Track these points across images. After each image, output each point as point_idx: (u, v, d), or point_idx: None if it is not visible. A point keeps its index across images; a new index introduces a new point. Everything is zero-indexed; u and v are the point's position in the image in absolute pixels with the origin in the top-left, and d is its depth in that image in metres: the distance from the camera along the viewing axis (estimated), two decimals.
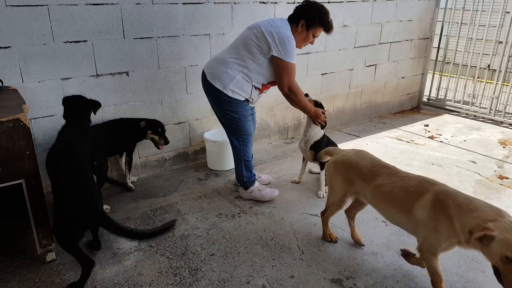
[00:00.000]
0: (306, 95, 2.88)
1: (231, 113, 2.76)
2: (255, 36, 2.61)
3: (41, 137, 2.79)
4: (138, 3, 2.92)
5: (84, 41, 2.79)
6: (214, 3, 3.27)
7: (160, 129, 3.02)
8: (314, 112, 2.89)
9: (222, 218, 2.77)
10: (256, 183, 3.01)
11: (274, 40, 2.56)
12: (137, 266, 2.28)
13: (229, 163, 3.49)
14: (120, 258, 2.35)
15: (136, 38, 2.99)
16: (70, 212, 1.98)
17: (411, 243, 2.52)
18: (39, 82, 2.70)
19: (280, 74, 2.65)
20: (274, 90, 2.84)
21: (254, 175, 3.02)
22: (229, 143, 3.18)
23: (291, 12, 2.73)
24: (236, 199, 3.02)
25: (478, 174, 3.52)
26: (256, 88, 2.76)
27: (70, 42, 2.74)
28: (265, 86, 2.80)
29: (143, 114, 3.18)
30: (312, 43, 2.83)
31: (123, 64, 3.00)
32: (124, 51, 2.97)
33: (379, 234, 2.62)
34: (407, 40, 4.99)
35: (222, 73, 2.67)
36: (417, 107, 5.63)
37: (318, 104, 2.96)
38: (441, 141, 4.31)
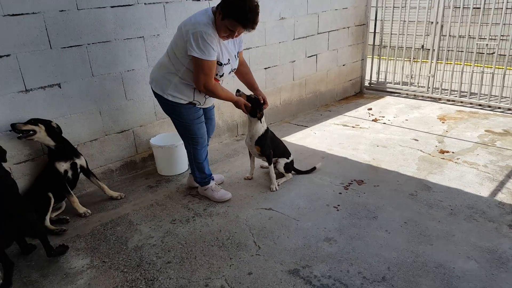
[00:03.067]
0: (238, 90, 2.82)
1: (176, 117, 2.74)
2: (181, 36, 2.49)
3: None
4: (62, 10, 2.76)
5: (7, 56, 2.60)
6: (145, 4, 3.17)
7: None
8: (235, 101, 2.76)
9: (176, 223, 2.72)
10: (212, 183, 3.00)
11: (188, 37, 2.39)
12: (91, 284, 2.19)
13: (180, 167, 3.44)
14: (73, 278, 2.24)
15: (65, 47, 2.83)
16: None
17: (362, 225, 2.62)
18: None
19: (196, 72, 2.48)
20: None
21: (209, 175, 3.00)
22: (177, 147, 3.16)
23: None
24: (189, 203, 2.98)
25: (421, 151, 3.71)
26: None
27: None
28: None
29: (81, 126, 3.04)
30: (233, 37, 2.51)
31: (53, 75, 2.83)
32: (53, 62, 2.80)
33: (331, 219, 2.69)
34: (344, 28, 5.15)
35: (161, 78, 2.64)
36: (360, 92, 5.84)
37: (252, 99, 2.87)
38: (384, 123, 4.50)
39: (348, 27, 5.20)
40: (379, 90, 5.74)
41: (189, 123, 2.74)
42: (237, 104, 2.78)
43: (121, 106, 3.26)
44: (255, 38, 4.04)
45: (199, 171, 2.94)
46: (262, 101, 2.88)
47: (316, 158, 3.63)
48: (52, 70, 2.82)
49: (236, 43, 2.69)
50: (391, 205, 2.84)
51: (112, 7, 3.00)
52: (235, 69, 2.76)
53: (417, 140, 3.96)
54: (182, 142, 3.32)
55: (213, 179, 3.03)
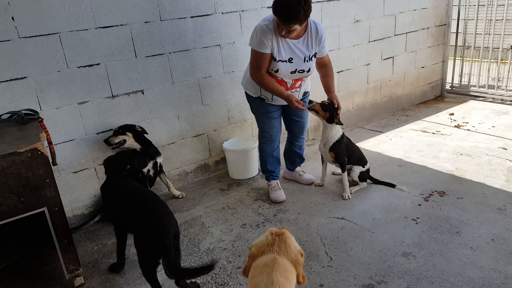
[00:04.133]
0: (310, 101, 2.84)
1: (251, 109, 3.03)
2: None
3: (63, 162, 2.84)
4: (146, 22, 2.94)
5: (97, 64, 2.82)
6: (222, 13, 3.26)
7: None
8: (286, 97, 2.65)
9: (246, 228, 2.74)
10: (273, 182, 3.09)
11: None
12: (164, 284, 2.26)
13: (251, 171, 3.47)
14: None
15: (148, 56, 3.01)
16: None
17: (444, 240, 2.41)
18: (57, 108, 2.73)
19: (250, 62, 2.72)
20: None
21: (271, 171, 3.09)
22: (248, 151, 3.33)
23: None
24: (259, 208, 2.99)
25: (510, 161, 3.35)
26: None
27: (84, 66, 2.77)
28: (280, 81, 2.72)
29: (161, 129, 3.21)
30: (283, 33, 2.51)
31: (137, 82, 3.03)
32: (137, 70, 3.00)
33: (409, 233, 2.52)
34: (424, 29, 4.84)
35: (244, 73, 2.96)
36: (441, 96, 5.44)
37: (326, 106, 2.81)
38: (468, 129, 4.14)
39: (428, 28, 4.88)
40: (461, 94, 5.29)
41: (258, 116, 2.97)
42: (288, 100, 2.68)
43: (197, 111, 3.38)
44: (328, 42, 3.95)
45: (262, 163, 3.13)
46: (336, 106, 2.80)
47: (392, 166, 3.43)
48: (136, 78, 3.01)
49: (310, 45, 2.66)
50: (477, 220, 2.59)
51: (192, 17, 3.13)
52: (303, 70, 2.70)
53: (506, 149, 3.57)
54: (254, 146, 3.40)
55: (274, 178, 3.10)
